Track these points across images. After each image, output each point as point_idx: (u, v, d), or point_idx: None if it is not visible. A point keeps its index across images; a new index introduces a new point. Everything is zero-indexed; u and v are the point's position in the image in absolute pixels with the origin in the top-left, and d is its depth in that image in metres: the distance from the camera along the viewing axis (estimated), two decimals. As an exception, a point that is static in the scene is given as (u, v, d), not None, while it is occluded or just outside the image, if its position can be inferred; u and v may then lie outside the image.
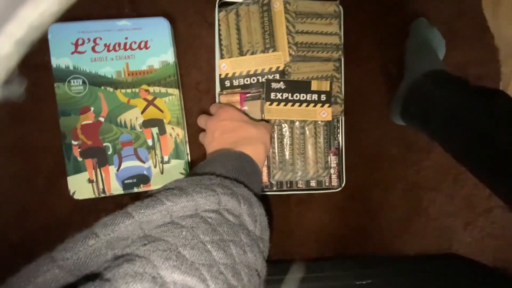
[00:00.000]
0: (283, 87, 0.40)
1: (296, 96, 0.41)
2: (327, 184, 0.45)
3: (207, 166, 0.27)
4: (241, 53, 0.40)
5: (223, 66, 0.40)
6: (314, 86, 0.41)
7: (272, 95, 0.40)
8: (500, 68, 0.58)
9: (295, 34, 0.40)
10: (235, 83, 0.41)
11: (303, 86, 0.41)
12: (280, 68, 0.40)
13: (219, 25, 0.40)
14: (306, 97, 0.41)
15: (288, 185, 0.43)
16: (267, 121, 0.42)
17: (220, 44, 0.40)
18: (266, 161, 0.42)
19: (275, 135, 0.42)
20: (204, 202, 0.20)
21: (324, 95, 0.41)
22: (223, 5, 0.42)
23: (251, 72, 0.40)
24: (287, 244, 0.52)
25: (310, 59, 0.41)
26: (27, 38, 0.13)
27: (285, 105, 0.40)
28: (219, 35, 0.40)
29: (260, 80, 0.40)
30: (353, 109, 0.49)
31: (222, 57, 0.41)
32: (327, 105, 0.42)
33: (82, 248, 0.16)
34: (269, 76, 0.40)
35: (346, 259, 0.52)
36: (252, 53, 0.40)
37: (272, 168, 0.41)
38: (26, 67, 0.46)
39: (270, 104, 0.41)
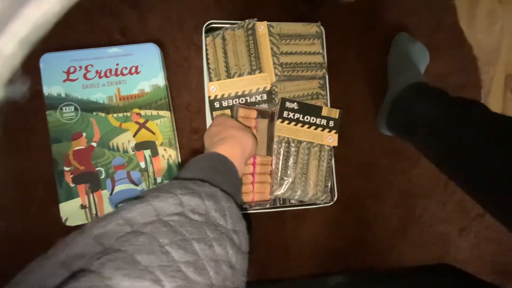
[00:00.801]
0: (296, 108, 0.42)
1: (307, 118, 0.43)
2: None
3: (178, 173, 0.28)
4: (229, 76, 0.41)
5: (212, 89, 0.42)
6: (325, 112, 0.43)
7: (285, 114, 0.42)
8: (480, 76, 0.61)
9: (280, 55, 0.41)
10: (224, 104, 0.42)
11: (314, 110, 0.43)
12: (267, 89, 0.42)
13: (206, 49, 0.42)
14: (316, 121, 0.43)
15: (281, 202, 0.44)
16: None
17: (208, 68, 0.42)
18: (271, 177, 0.42)
19: (282, 151, 0.43)
20: (163, 205, 0.20)
21: (333, 121, 0.44)
22: (209, 30, 0.43)
23: (239, 93, 0.41)
24: (283, 259, 0.52)
25: (296, 78, 0.42)
26: (30, 38, 0.13)
27: (295, 125, 0.42)
28: (207, 59, 0.42)
29: (249, 101, 0.42)
30: (340, 123, 0.50)
31: (210, 80, 0.42)
32: (334, 131, 0.44)
33: (34, 270, 0.16)
34: (256, 96, 0.42)
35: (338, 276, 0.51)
36: (240, 75, 0.41)
37: (273, 184, 0.41)
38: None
39: (282, 122, 0.42)
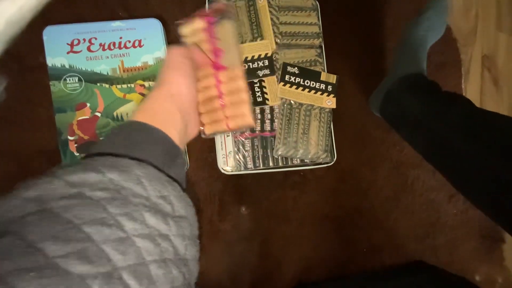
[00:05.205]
0: (297, 72, 0.45)
1: (307, 83, 0.45)
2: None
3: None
4: (232, 43, 0.44)
5: (216, 55, 0.43)
6: (323, 77, 0.46)
7: (287, 77, 0.45)
8: (459, 56, 0.66)
9: (280, 25, 0.44)
10: (228, 70, 0.44)
11: (313, 74, 0.46)
12: (269, 55, 0.44)
13: (209, 19, 0.44)
14: (316, 85, 0.45)
15: (284, 162, 0.46)
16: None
17: (212, 36, 0.44)
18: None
19: (284, 113, 0.44)
20: (39, 193, 0.17)
21: (331, 86, 0.46)
22: (212, 2, 0.46)
23: (242, 59, 0.44)
24: (285, 228, 0.53)
25: (295, 46, 0.45)
26: (6, 34, 0.13)
27: (296, 88, 0.45)
28: (210, 28, 0.44)
29: (251, 67, 0.44)
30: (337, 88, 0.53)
31: (214, 47, 0.44)
32: (332, 95, 0.46)
33: None
34: (258, 62, 0.44)
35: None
36: (242, 42, 0.44)
37: (277, 143, 0.43)
38: (20, 70, 0.47)
39: (284, 85, 0.45)
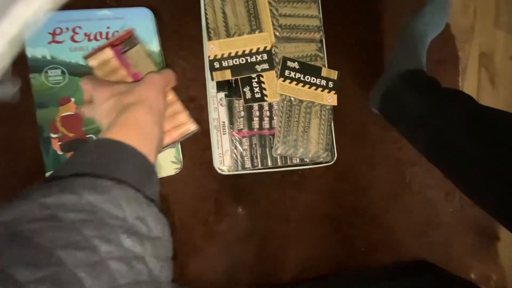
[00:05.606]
0: (297, 67, 0.43)
1: (308, 78, 0.43)
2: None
3: (54, 171, 0.24)
4: (229, 35, 0.41)
5: (212, 48, 0.41)
6: (324, 72, 0.44)
7: (287, 73, 0.43)
8: (457, 53, 0.65)
9: (279, 17, 0.42)
10: (224, 64, 0.41)
11: (314, 70, 0.44)
12: (268, 48, 0.42)
13: (205, 9, 0.41)
14: (316, 81, 0.44)
15: (284, 161, 0.44)
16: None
17: (208, 27, 0.41)
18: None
19: (284, 110, 0.42)
20: (10, 218, 0.17)
21: (332, 82, 0.45)
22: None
23: (240, 53, 0.41)
24: (284, 229, 0.52)
25: (295, 40, 0.43)
26: (21, 37, 0.13)
27: (296, 84, 0.43)
28: (206, 19, 0.41)
29: (249, 61, 0.42)
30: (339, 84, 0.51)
31: (210, 39, 0.41)
32: (333, 92, 0.44)
33: None
34: (257, 56, 0.42)
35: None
36: (239, 35, 0.41)
37: (276, 142, 0.41)
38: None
39: (284, 81, 0.43)
